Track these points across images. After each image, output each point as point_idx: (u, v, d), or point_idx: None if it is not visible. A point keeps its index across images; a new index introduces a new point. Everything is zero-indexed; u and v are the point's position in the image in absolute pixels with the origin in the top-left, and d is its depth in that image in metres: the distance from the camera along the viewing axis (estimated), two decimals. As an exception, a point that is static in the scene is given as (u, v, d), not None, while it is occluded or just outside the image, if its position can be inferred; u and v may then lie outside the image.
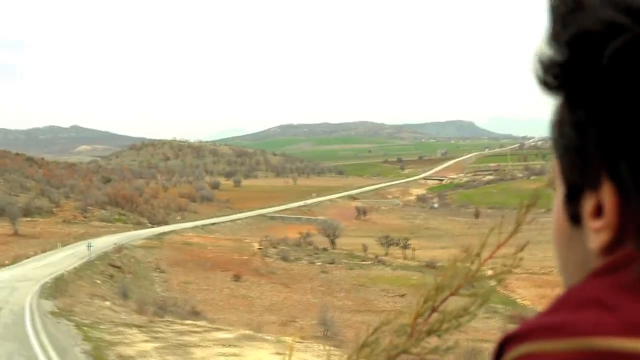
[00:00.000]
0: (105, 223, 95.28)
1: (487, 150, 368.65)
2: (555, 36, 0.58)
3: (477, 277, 1.02)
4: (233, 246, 75.55)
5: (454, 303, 1.01)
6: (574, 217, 0.64)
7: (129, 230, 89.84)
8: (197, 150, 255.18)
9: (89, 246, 52.78)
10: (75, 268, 46.07)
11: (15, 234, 72.41)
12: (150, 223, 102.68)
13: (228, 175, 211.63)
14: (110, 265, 53.08)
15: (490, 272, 0.99)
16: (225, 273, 58.91)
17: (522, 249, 0.88)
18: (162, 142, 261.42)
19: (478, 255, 0.99)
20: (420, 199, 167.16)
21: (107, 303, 30.82)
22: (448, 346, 0.98)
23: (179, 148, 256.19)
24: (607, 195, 0.56)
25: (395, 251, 75.56)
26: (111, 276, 47.33)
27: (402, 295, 51.59)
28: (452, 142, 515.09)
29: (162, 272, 57.62)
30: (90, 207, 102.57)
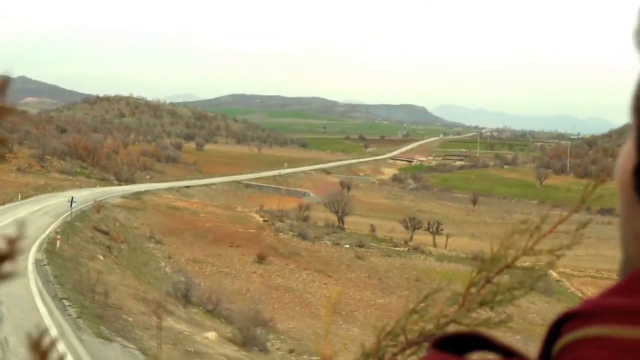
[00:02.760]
0: (66, 175, 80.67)
1: (441, 136, 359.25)
2: None
3: (534, 250, 0.91)
4: (228, 215, 61.74)
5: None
6: (638, 190, 0.58)
7: (95, 186, 76.16)
8: (155, 109, 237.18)
9: (72, 201, 38.56)
10: (57, 232, 31.81)
11: (-38, 179, 58.00)
12: (117, 180, 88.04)
13: (187, 137, 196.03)
14: (96, 230, 38.96)
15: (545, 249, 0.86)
16: (237, 250, 45.42)
17: (584, 225, 0.79)
18: (118, 98, 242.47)
19: (538, 228, 0.90)
20: (397, 178, 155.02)
21: (208, 335, 16.56)
22: (501, 319, 0.90)
23: (135, 105, 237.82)
24: None
25: (420, 236, 62.68)
26: (108, 248, 33.08)
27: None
28: (405, 125, 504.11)
29: (159, 242, 43.62)
30: (47, 157, 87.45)
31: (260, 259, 41.79)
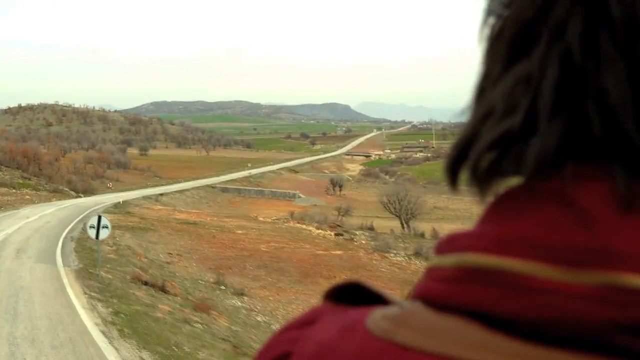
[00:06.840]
0: (7, 189, 58.11)
1: (375, 131, 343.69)
2: None
3: None
4: (270, 230, 41.11)
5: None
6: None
7: (50, 200, 55.43)
8: (84, 115, 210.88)
9: (99, 226, 17.42)
10: (106, 320, 11.17)
11: None
12: (73, 191, 66.18)
13: (124, 143, 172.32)
14: (141, 282, 18.24)
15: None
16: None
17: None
18: (43, 106, 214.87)
19: None
20: (369, 174, 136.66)
21: None
22: None
23: (62, 113, 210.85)
24: None
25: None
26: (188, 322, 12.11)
27: None
28: (332, 123, 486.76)
29: (241, 294, 22.88)
30: (-24, 167, 65.05)
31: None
